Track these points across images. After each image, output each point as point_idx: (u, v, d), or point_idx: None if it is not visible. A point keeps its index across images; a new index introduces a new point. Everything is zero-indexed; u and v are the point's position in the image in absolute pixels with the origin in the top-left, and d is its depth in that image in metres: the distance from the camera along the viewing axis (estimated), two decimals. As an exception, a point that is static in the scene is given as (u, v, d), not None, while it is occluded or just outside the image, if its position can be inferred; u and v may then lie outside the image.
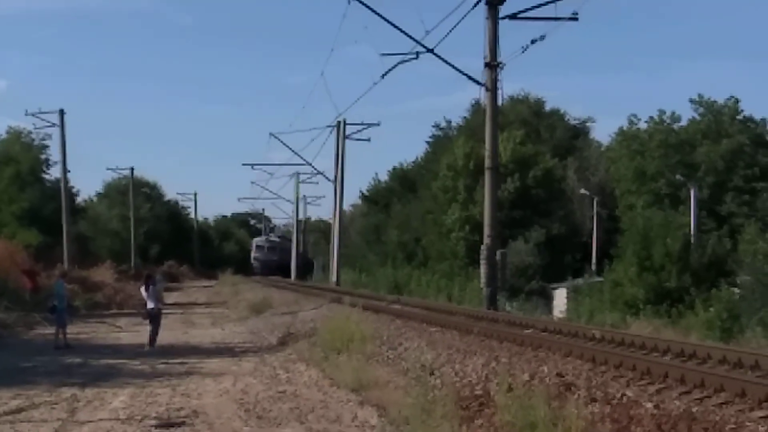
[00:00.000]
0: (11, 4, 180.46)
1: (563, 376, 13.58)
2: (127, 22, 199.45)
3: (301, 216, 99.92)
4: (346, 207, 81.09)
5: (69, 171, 62.12)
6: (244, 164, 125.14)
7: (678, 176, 58.73)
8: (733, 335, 30.86)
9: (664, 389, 12.56)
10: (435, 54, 32.87)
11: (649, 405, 11.32)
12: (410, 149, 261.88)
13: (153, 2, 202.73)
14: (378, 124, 62.76)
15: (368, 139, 66.71)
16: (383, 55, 37.07)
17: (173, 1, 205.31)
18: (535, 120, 76.65)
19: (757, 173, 59.40)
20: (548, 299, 51.79)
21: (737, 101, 63.59)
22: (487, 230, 31.80)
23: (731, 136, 61.06)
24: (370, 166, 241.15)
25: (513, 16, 31.46)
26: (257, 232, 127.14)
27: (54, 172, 71.40)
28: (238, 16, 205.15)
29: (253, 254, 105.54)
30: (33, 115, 59.98)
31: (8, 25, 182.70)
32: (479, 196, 51.27)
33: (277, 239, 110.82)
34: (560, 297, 51.16)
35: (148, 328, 26.00)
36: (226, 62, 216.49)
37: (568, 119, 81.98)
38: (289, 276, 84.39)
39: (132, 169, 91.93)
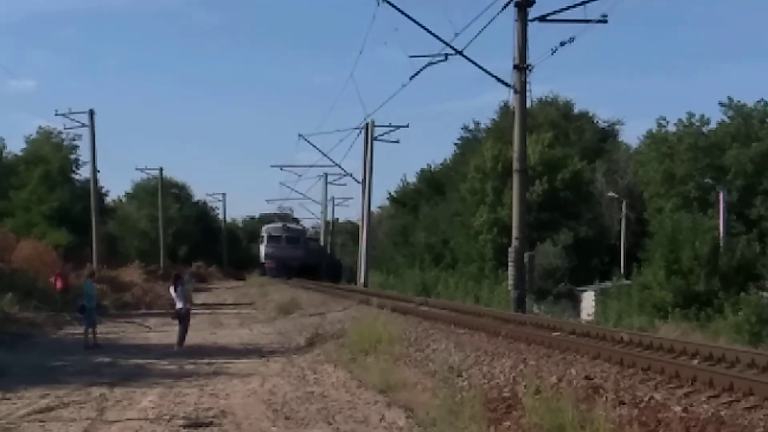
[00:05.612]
0: (36, 4, 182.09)
1: (591, 379, 13.55)
2: (152, 22, 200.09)
3: (329, 217, 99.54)
4: (374, 208, 79.70)
5: (98, 171, 62.46)
6: (272, 165, 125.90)
7: (707, 179, 58.47)
8: (762, 339, 30.75)
9: (693, 393, 12.50)
10: (464, 56, 32.80)
11: (678, 408, 11.27)
12: (438, 151, 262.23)
13: (179, 1, 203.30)
14: (406, 126, 62.33)
15: (397, 141, 66.50)
16: (412, 56, 36.98)
17: (199, 1, 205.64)
18: (563, 122, 76.51)
19: (788, 177, 59.06)
20: (576, 302, 51.79)
21: (767, 104, 63.27)
22: (515, 232, 31.73)
23: (761, 140, 60.69)
24: (398, 167, 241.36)
25: (542, 18, 31.36)
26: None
27: (83, 172, 71.89)
28: (266, 16, 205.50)
29: (264, 248, 79.88)
30: (63, 115, 60.29)
31: (34, 25, 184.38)
32: (507, 199, 51.31)
33: (299, 227, 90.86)
34: (588, 300, 51.11)
35: (177, 328, 26.14)
36: (254, 63, 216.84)
37: (597, 122, 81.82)
38: (318, 278, 72.41)
39: (161, 169, 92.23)
